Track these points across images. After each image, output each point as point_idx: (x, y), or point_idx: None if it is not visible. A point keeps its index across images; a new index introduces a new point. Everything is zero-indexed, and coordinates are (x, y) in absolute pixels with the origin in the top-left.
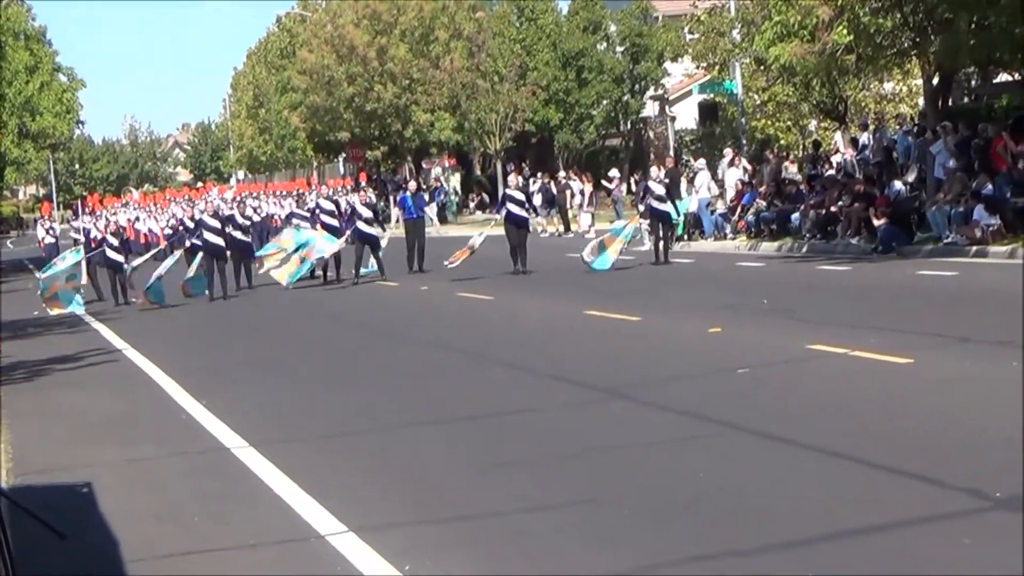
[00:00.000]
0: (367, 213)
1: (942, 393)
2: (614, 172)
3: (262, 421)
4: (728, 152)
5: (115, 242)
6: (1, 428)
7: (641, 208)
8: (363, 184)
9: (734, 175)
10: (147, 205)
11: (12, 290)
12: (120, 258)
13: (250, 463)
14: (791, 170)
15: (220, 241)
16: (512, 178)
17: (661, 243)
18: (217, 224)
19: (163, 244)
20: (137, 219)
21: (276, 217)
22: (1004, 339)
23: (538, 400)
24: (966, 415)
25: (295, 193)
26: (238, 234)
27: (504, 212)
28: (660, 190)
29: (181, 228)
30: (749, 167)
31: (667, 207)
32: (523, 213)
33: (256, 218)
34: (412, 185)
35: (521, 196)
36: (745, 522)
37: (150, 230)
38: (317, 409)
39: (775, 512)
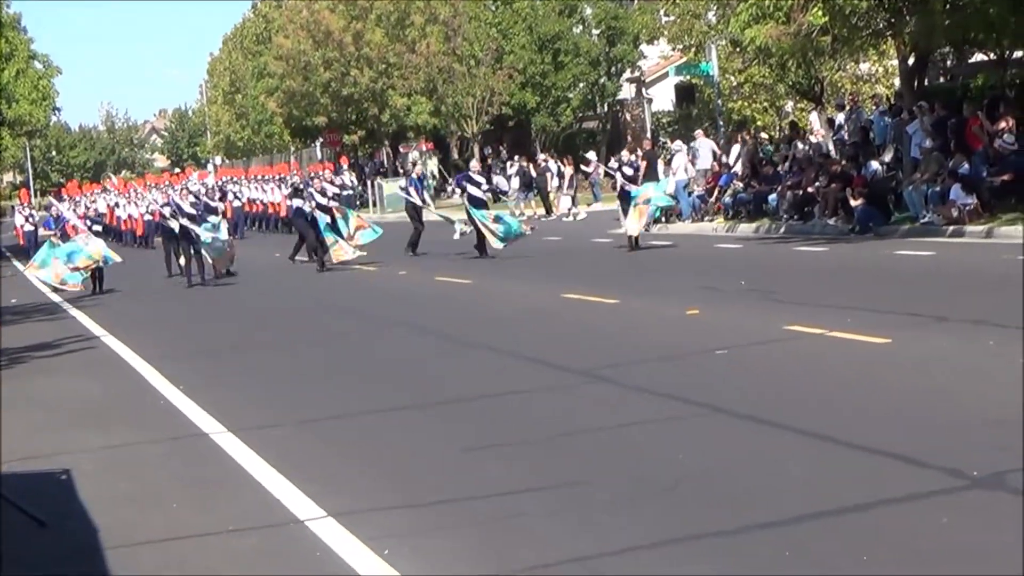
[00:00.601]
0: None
1: (919, 373)
2: (591, 155)
3: (241, 406)
4: (699, 134)
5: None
6: None
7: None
8: (344, 168)
9: (707, 146)
10: (127, 191)
11: None
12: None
13: (229, 448)
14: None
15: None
16: (474, 163)
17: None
18: (192, 211)
19: (140, 231)
20: (117, 205)
21: (258, 202)
22: (980, 318)
23: (517, 383)
24: (943, 394)
25: (276, 178)
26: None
27: (465, 195)
28: (629, 172)
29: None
30: (717, 150)
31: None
32: (482, 196)
33: (237, 203)
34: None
35: (482, 179)
36: (725, 503)
37: (130, 216)
38: (295, 394)
39: (755, 492)
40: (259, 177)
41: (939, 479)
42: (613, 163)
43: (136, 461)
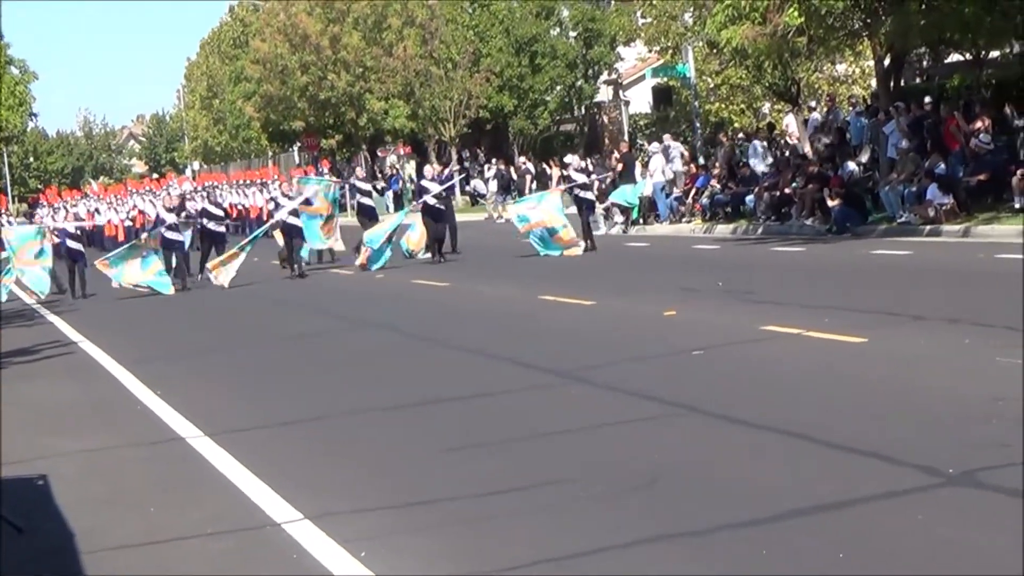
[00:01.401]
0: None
1: (895, 371)
2: (569, 158)
3: (217, 410)
4: (667, 138)
5: (73, 231)
6: None
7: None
8: (326, 171)
9: (677, 150)
10: (107, 197)
11: None
12: (80, 247)
13: (205, 452)
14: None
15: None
16: (428, 169)
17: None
18: (174, 219)
19: (123, 236)
20: (97, 211)
21: (240, 207)
22: (956, 316)
23: (494, 384)
24: (919, 392)
25: (258, 182)
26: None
27: (421, 204)
28: (581, 178)
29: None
30: (686, 153)
31: (589, 195)
32: (440, 205)
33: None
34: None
35: (437, 187)
36: (701, 502)
37: (109, 221)
38: (272, 397)
39: (731, 491)
40: (241, 182)
41: (914, 477)
42: (562, 171)
43: (113, 465)
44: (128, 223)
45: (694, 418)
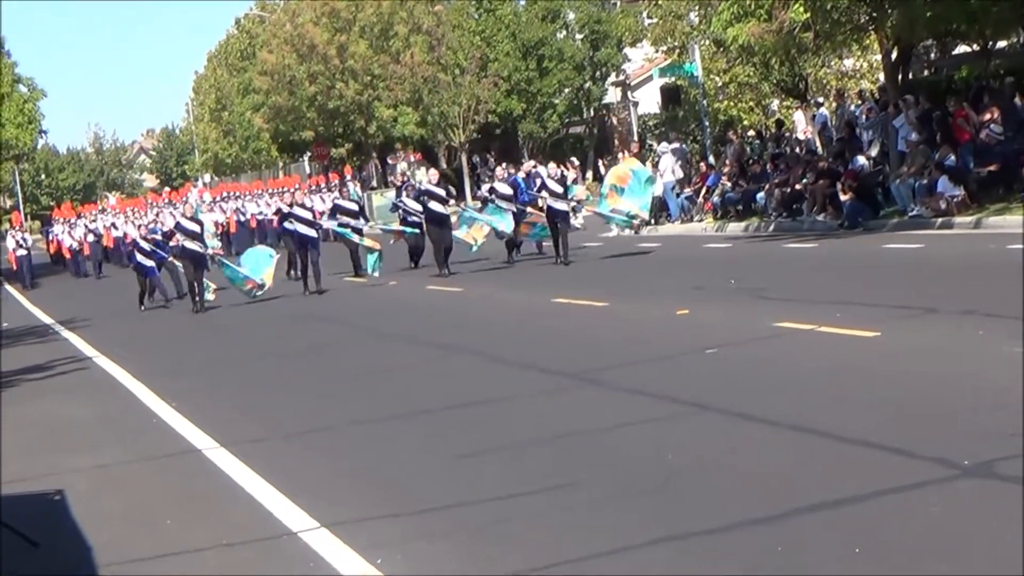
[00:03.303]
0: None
1: (909, 364)
2: (541, 168)
3: (232, 421)
4: (668, 144)
5: (146, 247)
6: None
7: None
8: (348, 178)
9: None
10: (124, 211)
11: None
12: (151, 264)
13: (221, 463)
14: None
15: (197, 247)
16: (432, 173)
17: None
18: (196, 228)
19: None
20: (113, 226)
21: (262, 217)
22: (969, 309)
23: (508, 389)
24: (933, 385)
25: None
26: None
27: (424, 211)
28: (557, 188)
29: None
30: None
31: (563, 205)
32: (444, 210)
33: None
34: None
35: (442, 192)
36: (716, 500)
37: (126, 234)
38: (287, 407)
39: (746, 489)
40: (266, 191)
41: (930, 469)
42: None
43: (129, 479)
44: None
45: (708, 417)
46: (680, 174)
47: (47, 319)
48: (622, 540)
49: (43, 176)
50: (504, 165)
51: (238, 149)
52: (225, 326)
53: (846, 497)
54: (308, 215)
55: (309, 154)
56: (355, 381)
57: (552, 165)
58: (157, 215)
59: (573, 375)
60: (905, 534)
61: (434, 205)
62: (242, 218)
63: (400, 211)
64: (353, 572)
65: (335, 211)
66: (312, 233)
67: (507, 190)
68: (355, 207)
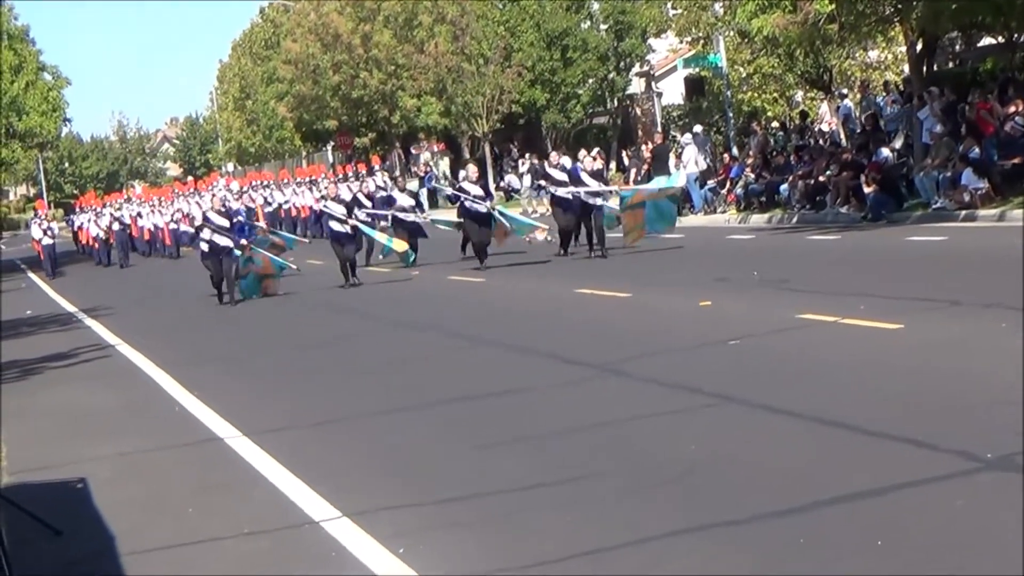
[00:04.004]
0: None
1: (932, 357)
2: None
3: (254, 410)
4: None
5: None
6: None
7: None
8: (377, 168)
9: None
10: (150, 199)
11: (4, 290)
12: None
13: (243, 452)
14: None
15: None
16: (471, 170)
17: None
18: (225, 222)
19: (168, 240)
20: (139, 215)
21: (292, 206)
22: (992, 301)
23: (530, 379)
24: (956, 378)
25: (308, 180)
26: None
27: (459, 207)
28: (592, 183)
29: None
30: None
31: (597, 200)
32: (483, 208)
33: (267, 208)
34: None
35: (479, 190)
36: (738, 492)
37: (155, 225)
38: (309, 397)
39: (768, 481)
40: (294, 180)
41: (953, 462)
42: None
43: (151, 468)
44: (173, 226)
45: (730, 408)
46: (704, 165)
47: (70, 307)
48: (642, 531)
49: (66, 164)
50: (526, 156)
51: (261, 138)
52: (247, 316)
53: (868, 490)
54: (342, 210)
55: (332, 143)
56: (377, 371)
57: (585, 154)
58: (179, 206)
59: (595, 366)
60: (927, 527)
61: (473, 203)
62: (269, 208)
63: (458, 200)
64: (375, 562)
65: (387, 203)
66: (344, 229)
67: (562, 176)
68: (411, 201)
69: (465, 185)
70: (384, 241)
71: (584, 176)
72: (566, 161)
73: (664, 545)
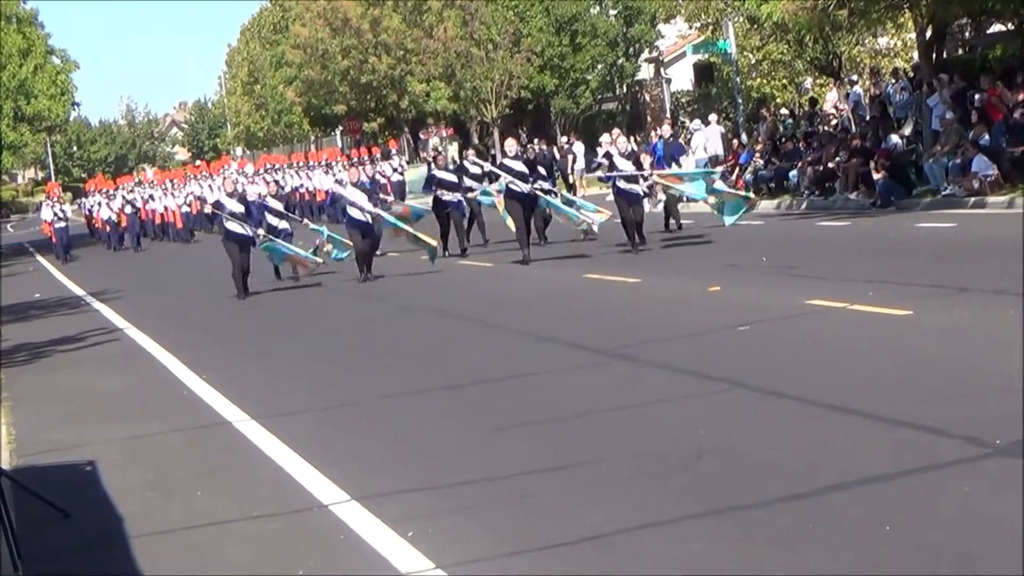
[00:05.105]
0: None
1: (940, 343)
2: (605, 137)
3: (263, 394)
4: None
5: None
6: (2, 409)
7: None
8: (394, 151)
9: (716, 132)
10: (162, 183)
11: (13, 273)
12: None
13: (252, 436)
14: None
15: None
16: (509, 144)
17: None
18: (240, 208)
19: (180, 224)
20: (151, 198)
21: (306, 190)
22: (1002, 288)
23: (539, 364)
24: (964, 364)
25: (323, 163)
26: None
27: (505, 188)
28: (628, 166)
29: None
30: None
31: (635, 187)
32: (525, 188)
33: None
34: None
35: (522, 167)
36: (746, 477)
37: (166, 208)
38: (317, 380)
39: (776, 466)
40: (305, 163)
41: (961, 448)
42: (602, 159)
43: (160, 451)
44: (185, 209)
45: (739, 393)
46: (712, 152)
47: (79, 291)
48: (652, 515)
49: (75, 148)
50: (536, 141)
51: (270, 123)
52: (259, 302)
53: (877, 475)
54: (362, 197)
55: (341, 128)
56: (387, 356)
57: (622, 139)
58: (191, 189)
59: (605, 351)
60: (936, 512)
61: (514, 186)
62: (282, 191)
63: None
64: (384, 545)
65: (430, 182)
66: (364, 218)
67: (627, 165)
68: (454, 178)
69: (507, 162)
70: (410, 230)
71: (621, 162)
72: (624, 145)
73: (673, 529)
